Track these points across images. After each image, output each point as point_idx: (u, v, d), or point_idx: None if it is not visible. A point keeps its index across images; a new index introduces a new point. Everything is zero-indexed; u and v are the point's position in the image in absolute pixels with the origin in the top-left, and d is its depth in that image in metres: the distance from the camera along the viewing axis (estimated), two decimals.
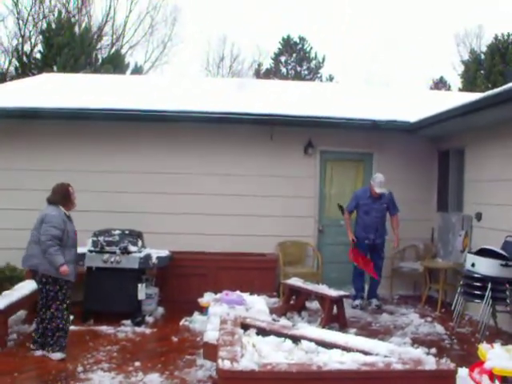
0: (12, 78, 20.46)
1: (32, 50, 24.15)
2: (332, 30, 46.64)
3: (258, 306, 5.80)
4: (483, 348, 4.32)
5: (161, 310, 7.07)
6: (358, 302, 7.71)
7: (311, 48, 34.38)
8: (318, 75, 33.92)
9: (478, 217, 7.26)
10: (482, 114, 6.53)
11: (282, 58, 34.51)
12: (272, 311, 6.08)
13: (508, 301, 5.89)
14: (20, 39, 24.63)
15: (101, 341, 5.84)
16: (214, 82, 15.88)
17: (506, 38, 24.26)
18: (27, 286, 6.43)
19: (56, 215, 5.33)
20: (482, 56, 25.90)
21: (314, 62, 34.27)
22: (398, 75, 44.18)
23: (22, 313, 6.48)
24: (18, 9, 24.63)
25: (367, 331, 6.39)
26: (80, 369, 4.91)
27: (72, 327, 6.09)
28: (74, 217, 5.73)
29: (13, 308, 5.88)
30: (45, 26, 23.40)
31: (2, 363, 5.07)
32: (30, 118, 8.01)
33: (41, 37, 23.11)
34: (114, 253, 6.62)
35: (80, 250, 5.96)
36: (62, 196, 5.50)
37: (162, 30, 30.31)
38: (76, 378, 4.70)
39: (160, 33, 30.33)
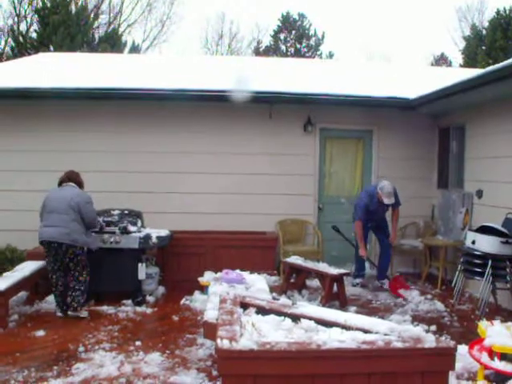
0: (8, 58, 20.27)
1: (28, 30, 23.92)
2: (331, 6, 46.16)
3: (258, 284, 5.81)
4: (483, 325, 4.33)
5: (161, 289, 7.09)
6: (358, 280, 7.71)
7: (310, 25, 34.02)
8: (318, 52, 33.60)
9: (479, 194, 7.23)
10: (482, 91, 6.46)
11: (282, 36, 34.15)
12: (272, 289, 6.09)
13: (508, 278, 5.89)
14: (15, 18, 24.38)
15: (102, 321, 5.86)
16: (212, 60, 15.72)
17: (507, 12, 23.93)
18: (28, 267, 6.46)
19: (90, 197, 6.16)
20: (484, 31, 25.60)
21: (313, 39, 33.92)
22: (399, 51, 43.96)
23: (23, 294, 6.51)
24: None
25: (367, 309, 6.42)
26: (81, 349, 4.94)
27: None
28: None
29: (14, 289, 5.89)
30: (40, 4, 23.09)
31: (3, 344, 5.09)
32: (28, 99, 7.93)
33: (36, 16, 22.83)
34: (114, 233, 6.60)
35: None
36: (78, 182, 6.23)
37: (161, 8, 30.02)
38: (77, 358, 4.72)
39: (158, 11, 30.05)
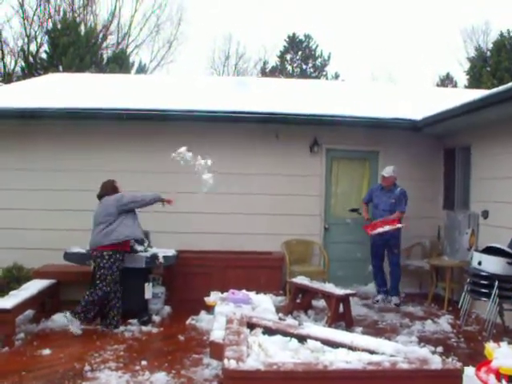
0: (18, 79, 20.56)
1: (38, 50, 24.29)
2: (337, 27, 46.65)
3: (264, 304, 5.81)
4: (490, 347, 4.30)
5: (167, 308, 7.09)
6: (379, 297, 7.90)
7: (317, 46, 34.31)
8: (324, 73, 33.84)
9: (485, 215, 7.24)
10: (488, 112, 6.50)
11: (288, 56, 34.43)
12: (278, 310, 6.08)
13: None
14: (26, 39, 24.76)
15: (108, 340, 5.86)
16: (219, 80, 15.87)
17: (511, 34, 24.12)
18: (35, 286, 6.50)
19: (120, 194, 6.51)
20: (488, 53, 25.76)
21: (319, 59, 34.19)
22: (404, 72, 44.18)
23: (29, 312, 6.51)
24: (23, 9, 24.77)
25: (374, 330, 6.39)
26: (87, 368, 4.94)
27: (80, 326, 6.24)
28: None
29: (20, 307, 5.91)
30: (50, 25, 23.49)
31: (10, 362, 5.11)
32: (37, 119, 8.02)
33: (46, 37, 23.20)
34: None
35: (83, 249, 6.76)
36: (111, 189, 6.54)
37: (168, 29, 30.42)
38: (83, 377, 4.72)
39: (166, 32, 30.44)
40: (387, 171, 7.91)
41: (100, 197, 6.52)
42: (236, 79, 7.35)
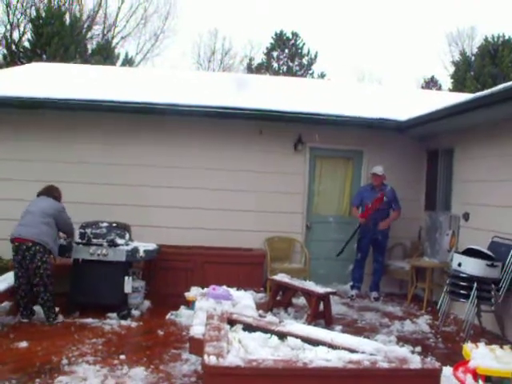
0: (1, 67, 20.24)
1: (21, 39, 23.91)
2: (325, 26, 46.69)
3: (244, 301, 5.79)
4: (468, 347, 4.35)
5: (147, 303, 7.03)
6: (353, 292, 8.06)
7: (304, 44, 34.29)
8: (310, 71, 33.87)
9: (466, 217, 7.30)
10: (471, 115, 6.56)
11: (274, 53, 34.37)
12: (259, 307, 6.07)
13: (493, 301, 5.94)
14: (8, 26, 24.38)
15: (86, 333, 5.79)
16: (204, 75, 15.81)
17: (495, 40, 24.39)
18: (12, 277, 6.38)
19: (64, 207, 6.46)
20: (473, 58, 26.01)
21: (306, 58, 34.19)
22: (390, 73, 44.50)
23: (6, 304, 6.42)
24: None
25: (353, 328, 6.41)
26: (65, 361, 4.88)
27: (62, 318, 6.25)
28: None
29: None
30: (34, 13, 23.14)
31: None
32: (16, 108, 7.91)
33: (30, 25, 22.86)
34: (101, 245, 6.57)
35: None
36: (58, 195, 6.54)
37: (155, 22, 30.19)
38: (60, 371, 4.66)
39: (153, 25, 30.23)
40: (379, 170, 8.04)
41: (39, 194, 6.52)
42: (233, 78, 7.31)
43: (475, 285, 5.89)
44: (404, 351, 3.42)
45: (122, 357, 5.07)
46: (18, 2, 24.49)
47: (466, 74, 24.58)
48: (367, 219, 7.99)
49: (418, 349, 5.57)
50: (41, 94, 7.83)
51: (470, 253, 6.16)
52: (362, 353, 3.36)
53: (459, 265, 6.19)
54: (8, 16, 24.44)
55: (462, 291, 6.12)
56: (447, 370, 4.20)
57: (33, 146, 8.11)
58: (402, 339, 6.01)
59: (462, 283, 6.12)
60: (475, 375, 3.96)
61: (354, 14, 47.64)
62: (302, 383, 3.03)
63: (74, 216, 6.77)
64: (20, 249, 6.01)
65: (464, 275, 6.08)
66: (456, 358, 4.75)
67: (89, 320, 6.24)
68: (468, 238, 7.11)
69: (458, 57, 28.53)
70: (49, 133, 8.16)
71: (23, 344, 5.30)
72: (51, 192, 6.49)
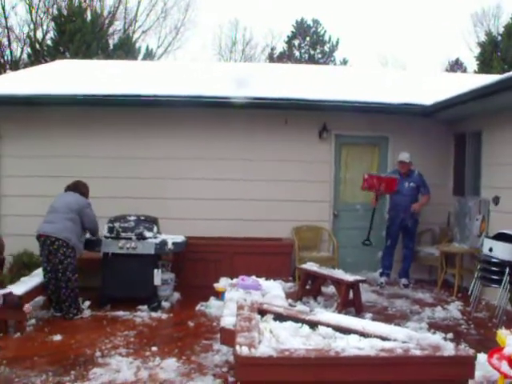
0: (25, 66, 20.53)
1: (44, 37, 24.21)
2: (346, 12, 46.16)
3: (274, 291, 5.80)
4: (502, 334, 4.28)
5: (177, 295, 7.11)
6: (382, 279, 8.04)
7: (325, 31, 34.00)
8: (332, 59, 33.58)
9: (496, 201, 7.18)
10: (498, 97, 6.41)
11: (296, 42, 34.17)
12: (288, 296, 6.08)
13: None
14: (32, 26, 24.67)
15: (118, 326, 5.89)
16: (226, 66, 15.79)
17: None
18: None
19: (90, 203, 6.51)
20: (499, 38, 25.41)
21: (327, 45, 33.91)
22: (413, 57, 43.81)
23: (39, 299, 6.54)
24: None
25: (383, 316, 6.38)
26: (98, 354, 4.96)
27: (89, 313, 6.34)
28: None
29: (31, 294, 5.94)
30: (56, 12, 23.37)
31: (21, 348, 5.14)
32: (44, 105, 8.03)
33: (52, 23, 23.10)
34: (130, 239, 6.64)
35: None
36: (86, 190, 6.62)
37: (175, 15, 30.23)
38: (94, 363, 4.74)
39: (173, 18, 30.26)
40: (406, 156, 7.99)
41: (67, 189, 6.59)
42: (242, 67, 7.26)
43: (507, 270, 5.79)
44: (437, 338, 3.38)
45: (154, 348, 5.13)
46: (40, 1, 24.78)
47: (492, 54, 24.03)
48: (377, 201, 8.08)
49: (450, 335, 5.52)
50: (68, 91, 7.95)
51: (502, 237, 6.06)
52: (394, 340, 3.33)
53: (490, 250, 6.10)
54: (31, 15, 24.78)
55: (493, 276, 6.02)
56: (481, 357, 4.16)
57: (61, 142, 8.21)
58: (434, 326, 5.95)
59: (493, 268, 6.03)
60: (511, 362, 3.90)
61: None
62: (334, 372, 3.02)
63: (103, 211, 6.88)
64: (45, 244, 6.13)
65: (495, 260, 5.98)
66: (489, 345, 4.67)
67: (120, 313, 6.34)
68: (498, 222, 6.98)
69: (484, 37, 27.87)
70: (75, 129, 8.25)
71: (57, 337, 5.42)
72: (78, 187, 6.56)
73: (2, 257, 6.82)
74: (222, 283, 6.42)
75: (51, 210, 6.34)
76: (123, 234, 6.68)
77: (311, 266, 7.06)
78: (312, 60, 32.41)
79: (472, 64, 28.50)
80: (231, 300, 5.16)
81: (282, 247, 7.90)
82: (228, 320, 4.55)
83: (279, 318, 3.83)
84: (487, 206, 7.40)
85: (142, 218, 6.96)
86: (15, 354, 4.94)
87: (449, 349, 3.15)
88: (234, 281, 6.10)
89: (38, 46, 22.83)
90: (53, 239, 6.07)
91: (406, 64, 34.10)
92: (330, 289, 7.19)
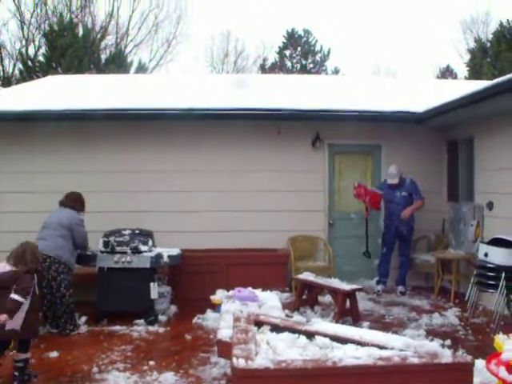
0: (18, 82, 20.52)
1: (36, 53, 24.23)
2: (336, 21, 46.50)
3: (270, 302, 5.79)
4: (500, 339, 4.27)
5: (173, 308, 7.08)
6: (379, 287, 8.01)
7: (316, 41, 34.19)
8: (324, 68, 33.74)
9: (490, 206, 7.20)
10: (490, 103, 6.44)
11: (287, 52, 34.33)
12: (285, 307, 6.07)
13: None
14: (23, 42, 24.72)
15: (115, 341, 5.85)
16: (218, 78, 15.84)
17: (511, 24, 23.98)
18: None
19: (82, 219, 6.46)
20: (488, 44, 25.62)
21: (319, 54, 34.08)
22: (405, 65, 44.05)
23: None
24: (20, 11, 24.71)
25: (381, 324, 6.37)
26: (95, 369, 4.93)
27: (86, 328, 6.30)
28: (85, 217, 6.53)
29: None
30: (47, 28, 23.43)
31: None
32: (36, 121, 8.00)
33: (44, 39, 23.15)
34: (125, 253, 6.62)
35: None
36: (79, 202, 6.57)
37: (166, 28, 30.32)
38: (91, 379, 4.71)
39: (164, 31, 30.35)
40: (393, 175, 7.98)
41: (66, 205, 6.52)
42: (235, 78, 7.30)
43: (503, 274, 5.79)
44: (434, 345, 3.38)
45: (152, 362, 5.11)
46: (31, 17, 24.85)
47: (482, 60, 24.22)
48: (367, 212, 8.13)
49: (448, 342, 5.50)
50: (61, 107, 7.93)
51: (497, 242, 6.07)
52: (392, 349, 3.33)
53: (486, 255, 6.10)
54: (23, 31, 24.82)
55: (489, 282, 6.02)
56: (479, 363, 4.14)
57: (53, 157, 8.18)
58: (431, 333, 5.95)
59: (489, 273, 6.02)
60: (509, 367, 3.89)
61: (365, 7, 47.30)
62: (332, 382, 3.01)
63: (97, 225, 6.87)
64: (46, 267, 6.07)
65: (491, 265, 5.98)
66: (487, 351, 4.66)
67: (117, 327, 6.31)
68: (493, 227, 7.01)
69: (473, 44, 28.12)
70: (68, 144, 8.22)
71: (54, 354, 5.38)
72: (69, 202, 6.52)
73: (34, 266, 4.95)
74: (219, 295, 6.41)
75: (44, 226, 6.35)
76: (118, 248, 6.66)
77: (307, 276, 7.05)
78: (304, 70, 32.56)
79: (462, 70, 28.75)
80: (228, 312, 5.14)
81: (277, 258, 7.89)
82: (225, 332, 4.53)
83: (276, 329, 3.82)
84: (481, 212, 7.42)
85: (137, 231, 6.95)
86: (11, 372, 4.87)
87: (446, 356, 3.15)
88: (231, 292, 6.08)
89: (29, 62, 22.82)
90: (44, 256, 5.99)
91: (397, 72, 34.28)
92: (327, 298, 7.17)
